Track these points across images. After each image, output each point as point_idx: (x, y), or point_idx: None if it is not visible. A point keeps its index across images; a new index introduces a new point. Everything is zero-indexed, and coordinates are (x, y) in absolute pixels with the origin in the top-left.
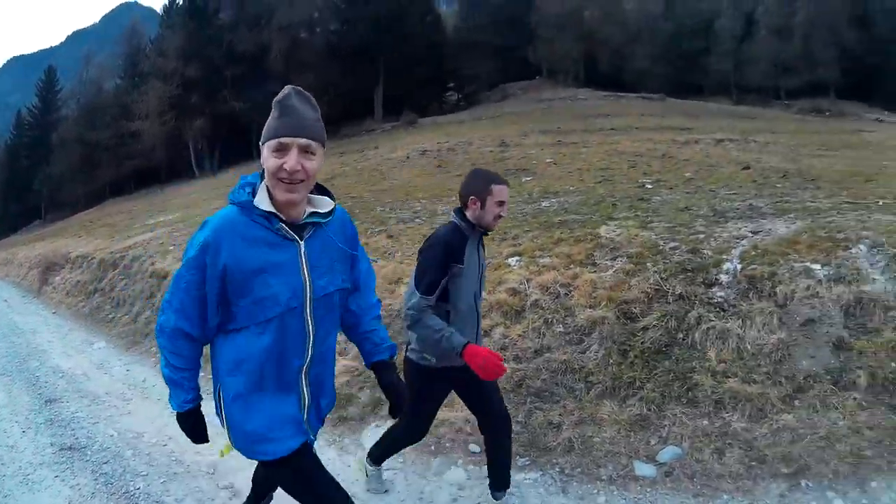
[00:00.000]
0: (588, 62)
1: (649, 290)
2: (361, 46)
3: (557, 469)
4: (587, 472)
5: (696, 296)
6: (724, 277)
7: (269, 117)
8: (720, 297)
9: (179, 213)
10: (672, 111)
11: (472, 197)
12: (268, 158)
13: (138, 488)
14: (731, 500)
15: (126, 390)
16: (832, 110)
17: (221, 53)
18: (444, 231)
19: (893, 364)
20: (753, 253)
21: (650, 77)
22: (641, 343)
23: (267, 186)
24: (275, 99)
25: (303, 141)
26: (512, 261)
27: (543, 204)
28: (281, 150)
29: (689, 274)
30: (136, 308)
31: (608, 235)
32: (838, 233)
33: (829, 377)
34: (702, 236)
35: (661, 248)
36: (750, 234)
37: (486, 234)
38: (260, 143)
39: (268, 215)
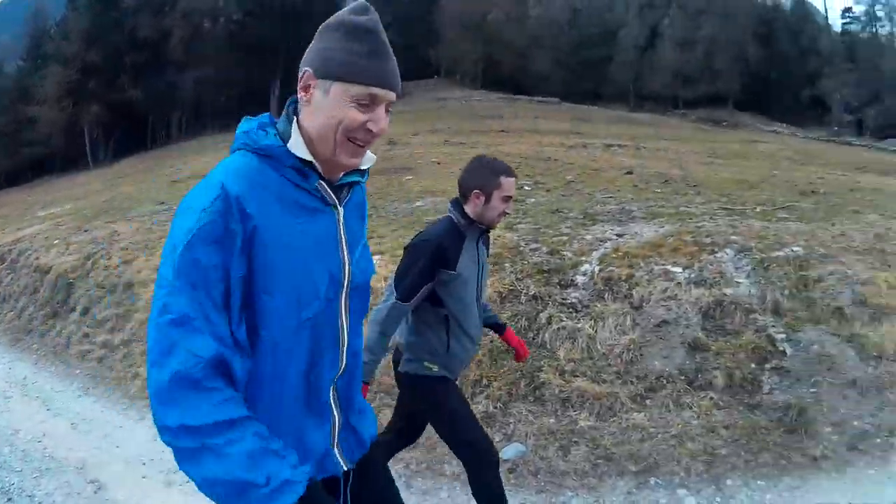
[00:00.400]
0: (488, 64)
1: (503, 290)
2: (262, 38)
3: (403, 465)
4: (432, 468)
5: (550, 296)
6: (580, 279)
7: (340, 46)
8: (574, 297)
9: (70, 205)
10: (567, 115)
11: (475, 190)
12: (342, 108)
13: (12, 483)
14: (576, 498)
15: (7, 388)
16: (729, 121)
17: (124, 38)
18: (437, 230)
19: (753, 365)
20: (614, 256)
21: (550, 82)
22: (490, 342)
23: (303, 134)
24: (349, 18)
25: (393, 96)
26: (374, 259)
27: (418, 203)
28: (369, 103)
29: (545, 275)
30: (21, 304)
31: None
32: (706, 237)
33: (683, 377)
34: (565, 238)
35: (521, 249)
36: (615, 237)
37: (488, 231)
38: (314, 75)
39: (303, 168)
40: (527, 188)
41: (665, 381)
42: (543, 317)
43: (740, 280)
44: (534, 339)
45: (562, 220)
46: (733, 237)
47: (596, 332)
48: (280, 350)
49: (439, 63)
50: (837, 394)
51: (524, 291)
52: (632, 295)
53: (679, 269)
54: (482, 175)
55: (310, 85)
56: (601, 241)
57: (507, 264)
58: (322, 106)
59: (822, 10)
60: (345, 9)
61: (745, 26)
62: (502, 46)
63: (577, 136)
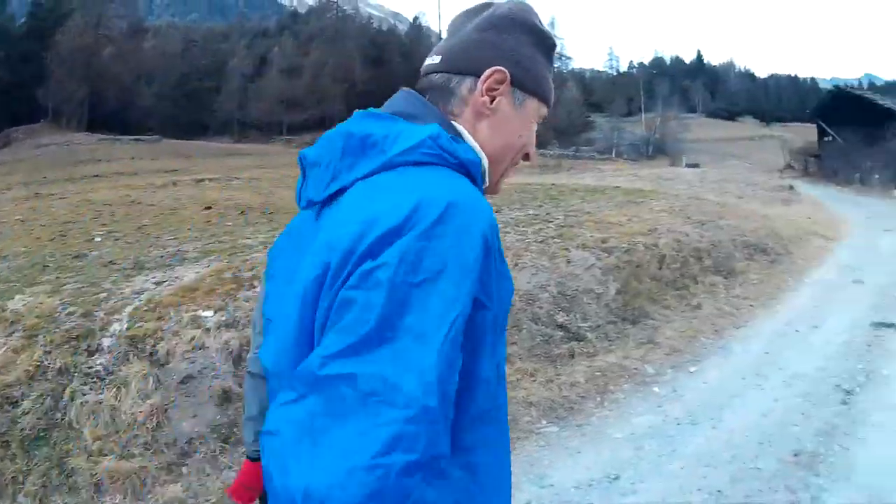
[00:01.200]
0: (95, 102)
1: (31, 368)
2: None
3: None
4: None
5: (76, 367)
6: (107, 342)
7: (534, 56)
8: (100, 364)
9: None
10: (166, 153)
11: None
12: (530, 128)
13: None
14: None
15: None
16: None
17: None
18: None
19: None
20: (146, 308)
21: (156, 117)
22: (21, 430)
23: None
24: (538, 25)
25: None
26: None
27: None
28: (538, 123)
29: (74, 343)
30: None
31: (14, 307)
32: (249, 271)
33: (216, 435)
34: (104, 295)
35: (57, 315)
36: (153, 287)
37: None
38: (510, 81)
39: (484, 191)
40: (98, 239)
41: (198, 443)
42: (69, 392)
43: None
44: (62, 419)
45: (111, 273)
46: None
47: (119, 400)
48: (498, 430)
49: (48, 104)
50: None
51: (51, 366)
52: (157, 351)
53: (210, 313)
54: None
55: (497, 89)
56: (138, 293)
57: (39, 336)
58: (511, 120)
59: (437, 32)
60: (519, 6)
61: (352, 49)
62: (110, 83)
63: (170, 175)
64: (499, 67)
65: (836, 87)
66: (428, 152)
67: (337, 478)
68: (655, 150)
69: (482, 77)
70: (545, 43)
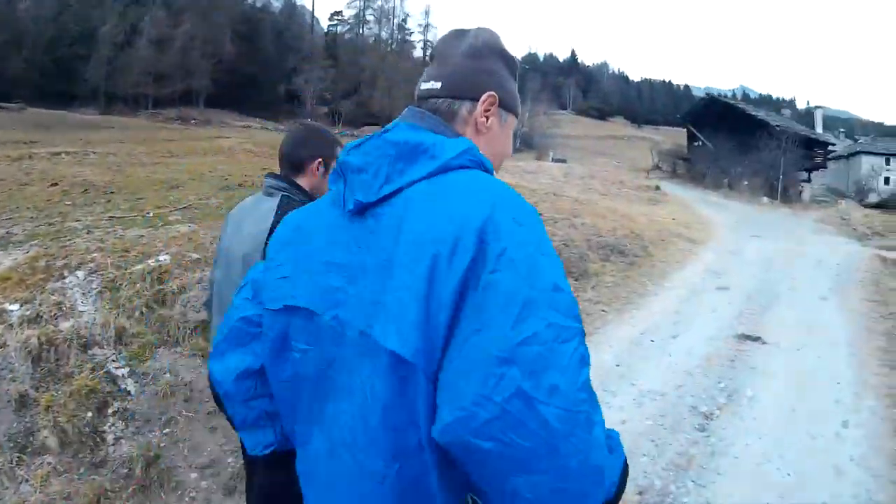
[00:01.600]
0: None
1: None
2: None
3: None
4: None
5: None
6: None
7: (508, 77)
8: None
9: None
10: (30, 123)
11: (319, 159)
12: (508, 138)
13: None
14: None
15: None
16: (199, 118)
17: None
18: (283, 208)
19: (90, 413)
20: None
21: (25, 84)
22: None
23: None
24: (508, 52)
25: None
26: None
27: None
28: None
29: None
30: None
31: None
32: (63, 259)
33: (13, 444)
34: None
35: None
36: None
37: None
38: (498, 102)
39: None
40: None
41: None
42: None
43: (84, 308)
44: None
45: None
46: (94, 255)
47: None
48: None
49: None
50: (201, 429)
51: None
52: None
53: (16, 307)
54: (323, 142)
55: (490, 111)
56: None
57: None
58: (499, 136)
59: (311, 10)
60: (491, 34)
61: (224, 24)
62: None
63: (29, 146)
64: (491, 92)
65: (709, 94)
66: (472, 158)
67: (579, 409)
68: (523, 143)
69: (481, 100)
70: (513, 65)
